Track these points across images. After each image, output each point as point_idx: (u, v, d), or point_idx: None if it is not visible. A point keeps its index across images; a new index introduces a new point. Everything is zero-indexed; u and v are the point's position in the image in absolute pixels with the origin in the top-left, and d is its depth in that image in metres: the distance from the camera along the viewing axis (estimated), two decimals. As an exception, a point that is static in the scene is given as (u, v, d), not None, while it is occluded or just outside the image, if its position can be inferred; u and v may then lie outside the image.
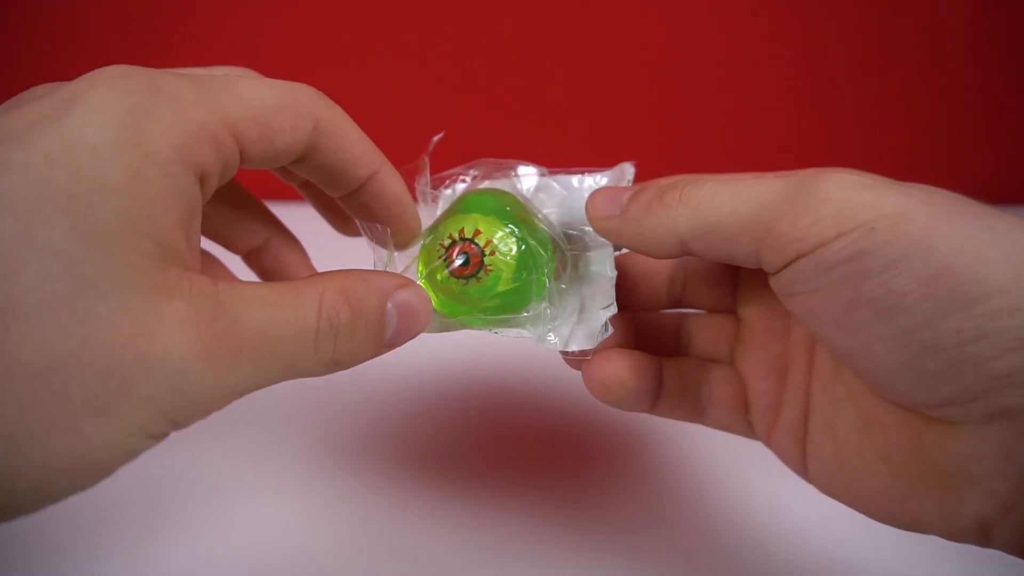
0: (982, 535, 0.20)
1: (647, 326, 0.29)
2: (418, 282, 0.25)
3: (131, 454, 0.17)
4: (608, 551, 0.32)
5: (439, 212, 0.28)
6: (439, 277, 0.24)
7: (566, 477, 0.36)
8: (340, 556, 0.32)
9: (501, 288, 0.24)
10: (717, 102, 0.57)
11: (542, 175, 0.29)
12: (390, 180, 0.24)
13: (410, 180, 0.27)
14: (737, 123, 0.58)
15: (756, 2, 0.53)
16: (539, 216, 0.27)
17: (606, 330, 0.24)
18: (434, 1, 0.54)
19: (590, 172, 0.29)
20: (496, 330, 0.25)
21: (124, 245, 0.16)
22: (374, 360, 0.22)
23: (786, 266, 0.21)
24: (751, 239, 0.21)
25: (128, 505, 0.33)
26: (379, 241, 0.24)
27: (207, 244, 0.27)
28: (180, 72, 0.20)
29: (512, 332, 0.25)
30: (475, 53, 0.56)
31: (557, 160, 0.30)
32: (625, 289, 0.29)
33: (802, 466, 0.25)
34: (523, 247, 0.24)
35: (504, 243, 0.24)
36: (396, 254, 0.25)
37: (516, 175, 0.29)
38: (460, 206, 0.26)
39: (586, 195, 0.26)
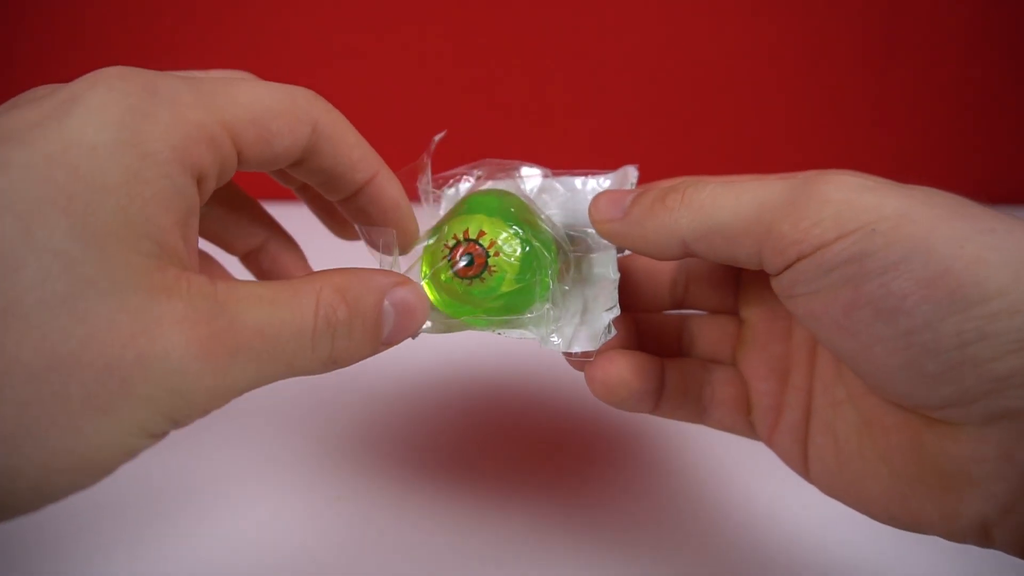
0: (982, 535, 0.20)
1: (649, 327, 0.29)
2: (421, 282, 0.25)
3: (131, 453, 0.17)
4: (609, 551, 0.32)
5: (442, 212, 0.28)
6: (443, 277, 0.24)
7: (567, 477, 0.36)
8: (340, 556, 0.32)
9: (505, 289, 0.24)
10: (719, 103, 0.57)
11: (545, 176, 0.29)
12: (388, 185, 0.24)
13: (412, 179, 0.27)
14: (739, 124, 0.58)
15: (757, 3, 0.53)
16: (543, 217, 0.27)
17: (609, 331, 0.24)
18: (436, 1, 0.54)
19: (593, 174, 0.29)
20: (499, 331, 0.25)
21: (123, 244, 0.17)
22: (374, 359, 0.22)
23: (787, 268, 0.21)
24: (752, 240, 0.21)
25: (128, 505, 0.33)
26: (385, 246, 0.24)
27: (205, 246, 0.27)
28: (179, 74, 0.20)
29: (515, 333, 0.25)
30: (478, 53, 0.56)
31: (560, 160, 0.30)
32: (628, 290, 0.29)
33: (803, 467, 0.25)
34: (527, 248, 0.24)
35: (508, 244, 0.24)
36: (398, 255, 0.25)
37: (520, 176, 0.29)
38: (464, 206, 0.26)
39: (589, 197, 0.26)
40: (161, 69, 0.20)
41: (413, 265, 0.26)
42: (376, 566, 0.31)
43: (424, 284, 0.25)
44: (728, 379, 0.28)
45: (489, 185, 0.29)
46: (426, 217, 0.28)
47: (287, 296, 0.19)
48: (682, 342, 0.30)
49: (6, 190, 0.16)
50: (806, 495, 0.26)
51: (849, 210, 0.19)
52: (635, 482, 0.36)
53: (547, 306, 0.25)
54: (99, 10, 0.54)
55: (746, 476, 0.36)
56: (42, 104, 0.17)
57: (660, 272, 0.29)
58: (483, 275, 0.24)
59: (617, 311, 0.25)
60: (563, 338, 0.25)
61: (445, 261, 0.24)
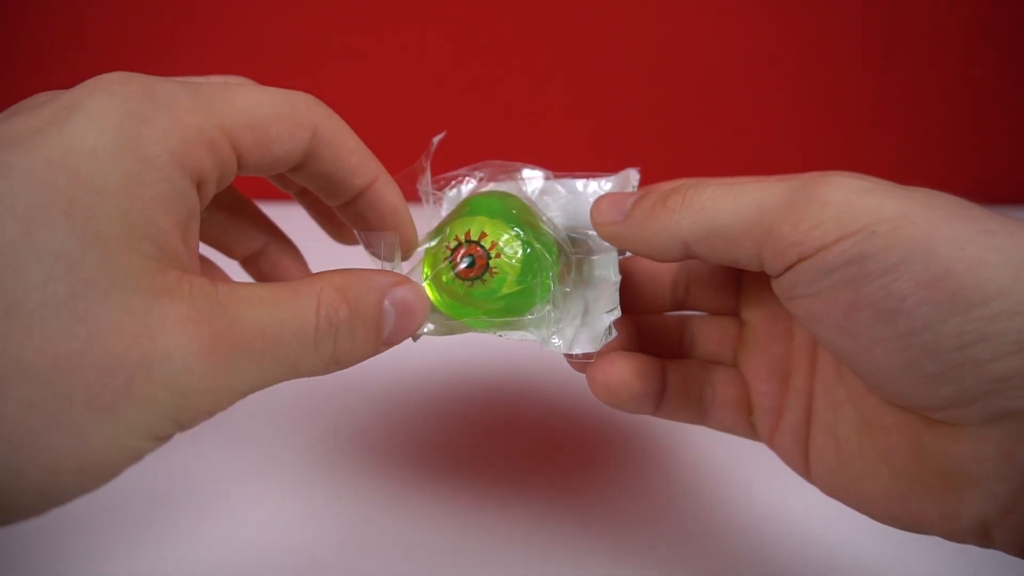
0: (982, 535, 0.20)
1: (650, 328, 0.29)
2: (423, 283, 0.25)
3: (135, 456, 0.17)
4: (611, 552, 0.32)
5: (444, 213, 0.29)
6: (444, 279, 0.24)
7: (568, 478, 0.36)
8: (340, 556, 0.32)
9: (506, 291, 0.24)
10: (719, 103, 0.57)
11: (547, 178, 0.29)
12: (387, 190, 0.25)
13: (412, 182, 0.27)
14: (739, 124, 0.58)
15: (757, 3, 0.53)
16: (544, 220, 0.27)
17: (609, 333, 0.24)
18: (436, 3, 0.54)
19: (595, 176, 0.29)
20: (500, 333, 0.25)
21: (124, 246, 0.17)
22: (375, 360, 0.22)
23: (787, 269, 0.21)
24: (753, 242, 0.21)
25: (128, 505, 0.33)
26: (386, 250, 0.24)
27: (205, 250, 0.28)
28: (178, 80, 0.20)
29: (516, 335, 0.25)
30: (478, 53, 0.56)
31: (561, 161, 0.30)
32: (629, 292, 0.29)
33: (804, 468, 0.25)
34: (528, 250, 0.24)
35: (509, 246, 0.24)
36: (400, 259, 0.25)
37: (521, 178, 0.29)
38: (466, 208, 0.26)
39: (591, 199, 0.26)
40: (160, 68, 0.20)
41: (415, 267, 0.26)
42: (376, 566, 0.31)
43: (426, 285, 0.25)
44: (729, 380, 0.28)
45: (491, 187, 0.29)
46: (427, 218, 0.28)
47: (288, 297, 0.19)
48: (683, 343, 0.30)
49: (7, 194, 0.16)
50: (807, 495, 0.26)
51: (849, 212, 0.19)
52: (636, 482, 0.36)
53: (548, 308, 0.25)
54: (99, 10, 0.54)
55: (747, 476, 0.36)
56: (43, 110, 0.17)
57: (661, 274, 0.29)
58: (484, 277, 0.24)
59: (618, 313, 0.25)
60: (564, 340, 0.25)
61: (446, 263, 0.24)
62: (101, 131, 0.17)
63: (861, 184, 0.20)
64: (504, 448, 0.38)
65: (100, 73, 0.19)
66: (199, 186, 0.19)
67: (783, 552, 0.32)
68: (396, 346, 0.22)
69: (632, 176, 0.28)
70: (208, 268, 0.28)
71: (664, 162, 0.56)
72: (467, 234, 0.24)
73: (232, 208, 0.29)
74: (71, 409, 0.16)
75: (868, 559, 0.32)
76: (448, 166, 0.29)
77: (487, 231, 0.24)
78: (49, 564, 0.31)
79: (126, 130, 0.17)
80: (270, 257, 0.30)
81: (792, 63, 0.55)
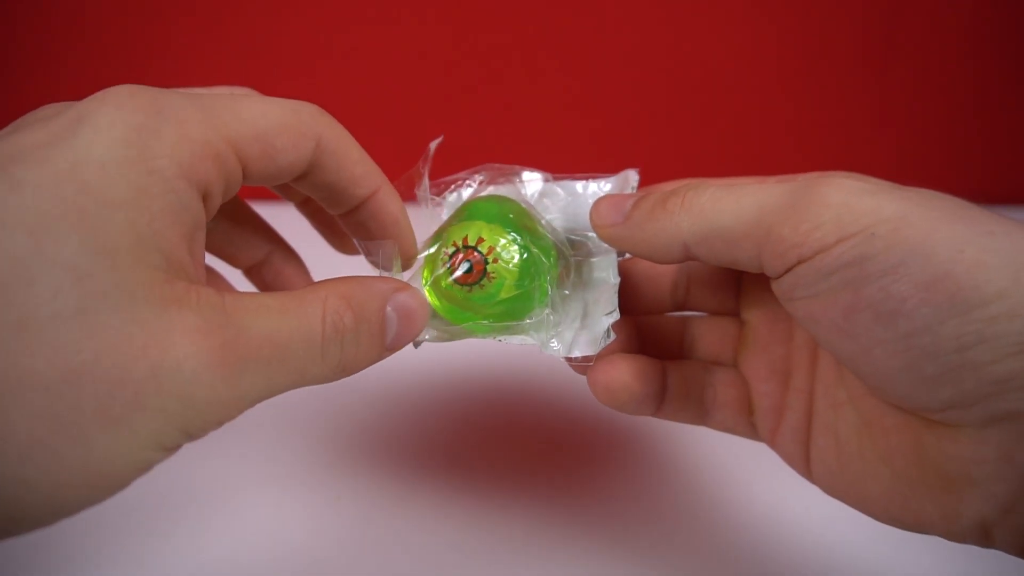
0: (983, 536, 0.20)
1: (651, 329, 0.29)
2: (423, 289, 0.25)
3: (144, 467, 0.17)
4: (612, 552, 0.32)
5: (444, 217, 0.29)
6: (444, 284, 0.25)
7: (568, 478, 0.36)
8: (341, 557, 0.32)
9: (504, 295, 0.24)
10: (719, 103, 0.57)
11: (546, 180, 0.29)
12: (388, 201, 0.25)
13: (411, 187, 0.27)
14: (739, 124, 0.58)
15: (757, 3, 0.53)
16: (542, 223, 0.27)
17: (608, 336, 0.24)
18: (437, 4, 0.54)
19: (594, 178, 0.29)
20: (500, 338, 0.25)
21: (132, 258, 0.17)
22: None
23: (787, 271, 0.21)
24: (753, 244, 0.21)
25: (128, 506, 0.33)
26: (384, 258, 0.25)
27: (208, 259, 0.28)
28: (185, 92, 0.20)
29: (516, 339, 0.25)
30: (478, 54, 0.56)
31: (561, 162, 0.31)
32: (629, 293, 0.29)
33: (806, 468, 0.25)
34: (525, 255, 0.25)
35: (506, 251, 0.24)
36: (400, 268, 0.25)
37: (520, 181, 0.29)
38: (464, 213, 0.26)
39: (590, 201, 0.26)
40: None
41: (415, 273, 0.26)
42: (376, 566, 0.32)
43: (426, 291, 0.25)
44: (730, 381, 0.28)
45: (490, 190, 0.29)
46: (426, 222, 0.28)
47: (294, 305, 0.19)
48: (683, 344, 0.30)
49: (17, 208, 0.16)
50: (807, 495, 0.26)
51: (849, 214, 0.19)
52: (636, 482, 0.36)
53: (547, 311, 0.25)
54: (98, 9, 0.54)
55: (747, 477, 0.36)
56: (51, 124, 0.18)
57: (661, 275, 0.30)
58: (482, 282, 0.24)
59: (617, 315, 0.25)
60: (563, 343, 0.25)
61: (445, 268, 0.24)
62: (109, 144, 0.17)
63: (860, 185, 0.20)
64: (504, 448, 0.38)
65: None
66: (205, 198, 0.19)
67: (783, 552, 0.33)
68: (398, 351, 0.23)
69: (631, 177, 0.28)
70: (212, 277, 0.29)
71: (664, 162, 0.56)
72: (464, 239, 0.25)
73: (236, 218, 0.29)
74: (80, 420, 0.16)
75: (868, 559, 0.32)
76: (448, 166, 0.29)
77: (484, 236, 0.25)
78: (50, 564, 0.31)
79: (134, 143, 0.17)
80: (273, 266, 0.30)
81: (792, 63, 0.55)
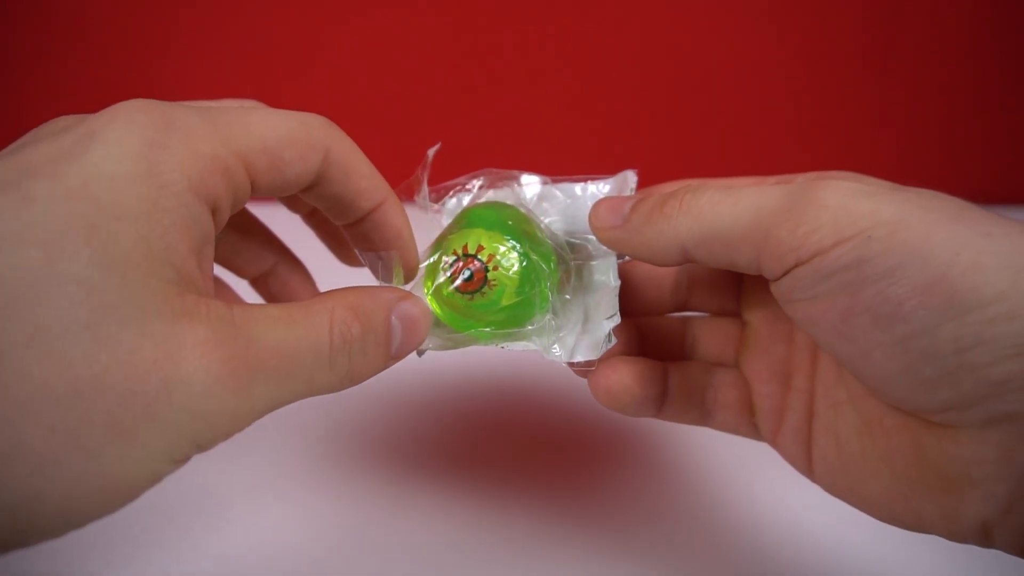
0: (983, 536, 0.20)
1: (652, 331, 0.30)
2: (425, 297, 0.25)
3: (154, 479, 0.17)
4: (613, 552, 0.32)
5: (445, 222, 0.29)
6: (445, 292, 0.25)
7: (568, 478, 0.36)
8: (341, 557, 0.32)
9: (505, 302, 0.24)
10: (718, 103, 0.57)
11: (544, 183, 0.30)
12: (393, 214, 0.25)
13: (410, 193, 0.28)
14: (738, 124, 0.58)
15: (757, 3, 0.53)
16: (542, 227, 0.27)
17: (610, 340, 0.24)
18: (437, 4, 0.54)
19: (593, 180, 0.29)
20: (503, 344, 0.25)
21: (143, 271, 0.17)
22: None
23: (785, 274, 0.21)
24: (751, 247, 0.21)
25: (128, 508, 0.33)
26: (384, 269, 0.25)
27: (215, 269, 0.28)
28: (194, 105, 0.20)
29: (518, 345, 0.25)
30: (479, 55, 0.56)
31: (561, 162, 0.31)
32: (630, 294, 0.29)
33: (808, 468, 0.25)
34: (525, 263, 0.25)
35: (506, 258, 0.25)
36: (402, 279, 0.25)
37: (519, 184, 0.29)
38: (463, 221, 0.26)
39: (589, 203, 0.26)
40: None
41: (417, 282, 0.26)
42: (377, 567, 0.32)
43: (428, 299, 0.25)
44: (731, 382, 0.28)
45: (489, 195, 0.29)
46: (425, 226, 0.28)
47: (301, 316, 0.19)
48: (685, 345, 0.30)
49: (30, 223, 0.16)
50: (808, 496, 0.26)
51: (846, 216, 0.19)
52: (637, 483, 0.36)
53: (548, 317, 0.25)
54: (98, 9, 0.54)
55: (748, 477, 0.36)
56: (63, 138, 0.18)
57: (662, 276, 0.30)
58: (483, 289, 0.24)
59: (618, 319, 0.25)
60: (565, 348, 0.25)
61: (446, 277, 0.25)
62: (120, 159, 0.17)
63: (858, 187, 0.20)
64: (504, 448, 0.38)
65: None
66: (214, 211, 0.19)
67: (784, 552, 0.33)
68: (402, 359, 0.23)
69: (630, 178, 0.29)
70: (219, 288, 0.29)
71: (664, 162, 0.56)
72: (464, 248, 0.25)
73: (243, 229, 0.29)
74: (91, 433, 0.16)
75: (870, 558, 0.32)
76: (448, 165, 0.29)
77: (483, 244, 0.25)
78: (50, 565, 0.31)
79: (144, 157, 0.18)
80: (279, 277, 0.30)
81: (792, 63, 0.55)
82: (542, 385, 0.42)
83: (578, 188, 0.29)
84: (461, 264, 0.25)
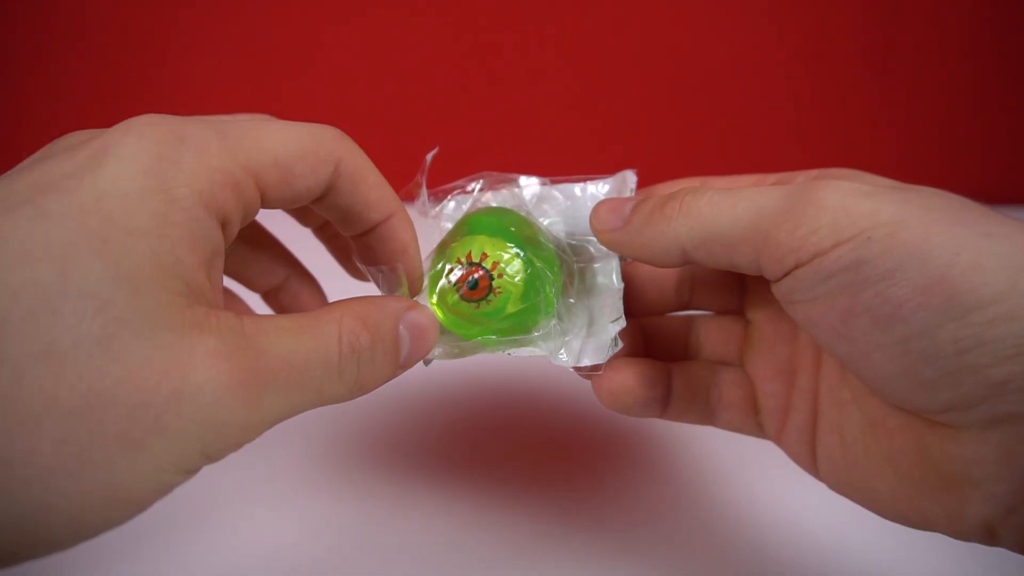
0: (987, 535, 0.20)
1: (656, 331, 0.30)
2: (430, 305, 0.25)
3: (164, 490, 0.17)
4: (614, 553, 0.32)
5: (444, 224, 0.29)
6: (450, 300, 0.25)
7: (569, 478, 0.36)
8: (341, 557, 0.32)
9: (511, 310, 0.25)
10: (718, 103, 0.57)
11: (543, 184, 0.29)
12: (400, 227, 0.25)
13: (409, 198, 0.28)
14: (738, 123, 0.58)
15: (757, 3, 0.53)
16: (543, 231, 0.27)
17: (615, 344, 0.24)
18: (436, 4, 0.54)
19: (592, 180, 0.29)
20: (510, 351, 0.25)
21: (154, 284, 0.17)
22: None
23: (785, 275, 0.21)
24: (751, 248, 0.21)
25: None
26: (386, 284, 0.25)
27: (226, 282, 0.28)
28: (205, 119, 0.21)
29: (525, 351, 0.25)
30: (478, 55, 0.56)
31: (561, 162, 0.31)
32: (633, 294, 0.29)
33: (812, 466, 0.26)
34: (529, 270, 0.25)
35: (510, 265, 0.25)
36: (406, 290, 0.25)
37: (519, 186, 0.29)
38: (465, 228, 0.26)
39: (589, 204, 0.26)
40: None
41: (422, 290, 0.26)
42: (377, 567, 0.32)
43: (433, 307, 0.25)
44: (736, 381, 0.28)
45: (488, 198, 0.29)
46: (426, 234, 0.28)
47: (310, 326, 0.20)
48: (689, 344, 0.30)
49: (43, 238, 0.17)
50: (811, 495, 0.26)
51: (846, 217, 0.19)
52: (638, 483, 0.36)
53: (553, 322, 0.25)
54: (98, 10, 0.54)
55: (750, 477, 0.36)
56: (77, 154, 0.18)
57: (665, 276, 0.30)
58: (489, 297, 0.24)
59: (623, 323, 0.25)
60: (571, 353, 0.25)
61: (451, 285, 0.25)
62: (132, 175, 0.18)
63: (858, 187, 0.20)
64: (506, 448, 0.38)
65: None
66: (224, 225, 0.20)
67: (785, 552, 0.33)
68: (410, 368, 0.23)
69: (629, 178, 0.29)
70: (229, 299, 0.29)
71: (664, 162, 0.56)
72: (468, 255, 0.25)
73: (255, 243, 0.29)
74: (103, 445, 0.16)
75: (870, 559, 0.32)
76: (448, 166, 0.29)
77: (487, 251, 0.25)
78: (50, 565, 0.31)
79: (155, 172, 0.18)
80: (290, 290, 0.30)
81: (792, 62, 0.55)
82: (541, 385, 0.42)
83: (577, 189, 0.29)
84: (466, 272, 0.25)
